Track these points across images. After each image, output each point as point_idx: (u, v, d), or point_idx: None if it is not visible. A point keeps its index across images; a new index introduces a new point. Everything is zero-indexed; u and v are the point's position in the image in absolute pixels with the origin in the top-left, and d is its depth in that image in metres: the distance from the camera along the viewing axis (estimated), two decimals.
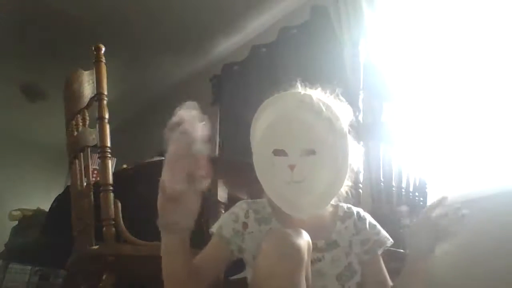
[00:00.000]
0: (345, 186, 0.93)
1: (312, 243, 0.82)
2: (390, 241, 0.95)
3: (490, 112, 1.80)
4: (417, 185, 1.46)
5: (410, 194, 1.44)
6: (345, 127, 0.90)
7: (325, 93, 0.94)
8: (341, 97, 0.95)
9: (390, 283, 0.93)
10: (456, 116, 1.88)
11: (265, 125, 0.92)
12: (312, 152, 0.87)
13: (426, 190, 1.50)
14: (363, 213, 0.99)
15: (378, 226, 0.98)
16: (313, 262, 0.84)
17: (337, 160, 0.88)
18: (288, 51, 2.55)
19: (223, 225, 0.92)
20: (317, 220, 0.93)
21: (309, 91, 0.92)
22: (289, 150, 0.88)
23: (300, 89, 0.93)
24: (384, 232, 0.97)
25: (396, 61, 1.96)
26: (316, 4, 2.51)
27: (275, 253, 0.74)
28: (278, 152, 0.89)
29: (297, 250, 0.74)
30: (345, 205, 1.00)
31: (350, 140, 0.91)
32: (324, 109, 0.88)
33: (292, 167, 0.86)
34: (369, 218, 0.98)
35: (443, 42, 1.99)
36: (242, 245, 0.91)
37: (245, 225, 0.94)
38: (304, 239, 0.77)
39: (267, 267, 0.73)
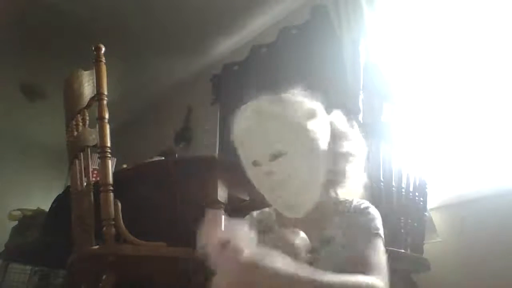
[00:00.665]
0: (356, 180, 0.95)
1: (309, 246, 0.84)
2: (380, 235, 0.90)
3: (490, 112, 1.80)
4: (417, 185, 1.46)
5: (410, 194, 1.44)
6: (308, 124, 0.90)
7: (289, 94, 0.95)
8: (308, 94, 0.95)
9: (374, 271, 0.83)
10: (456, 116, 1.88)
11: (237, 141, 0.96)
12: (280, 154, 0.89)
13: (426, 190, 1.50)
14: (361, 204, 0.96)
15: (373, 215, 0.94)
16: (309, 263, 0.84)
17: (308, 156, 0.90)
18: (288, 51, 2.55)
19: None
20: (316, 219, 0.93)
21: (263, 98, 0.94)
22: (260, 159, 0.90)
23: (257, 99, 0.95)
24: (376, 223, 0.92)
25: (396, 61, 1.96)
26: (316, 4, 2.51)
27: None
28: (254, 163, 0.92)
29: (291, 251, 0.76)
30: (354, 201, 0.97)
31: (321, 133, 0.91)
32: (279, 113, 0.90)
33: (268, 174, 0.89)
34: (365, 208, 0.95)
35: (443, 42, 1.99)
36: None
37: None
38: (299, 238, 0.80)
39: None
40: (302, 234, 0.83)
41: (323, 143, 0.91)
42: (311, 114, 0.92)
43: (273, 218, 0.99)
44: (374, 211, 0.95)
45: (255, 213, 1.04)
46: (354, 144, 0.96)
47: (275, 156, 0.89)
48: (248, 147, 0.93)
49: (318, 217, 0.93)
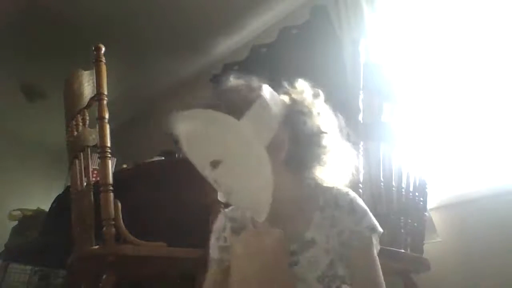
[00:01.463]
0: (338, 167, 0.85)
1: (286, 246, 0.78)
2: (375, 230, 0.81)
3: (489, 112, 1.80)
4: (417, 185, 1.46)
5: (410, 194, 1.44)
6: (241, 122, 0.79)
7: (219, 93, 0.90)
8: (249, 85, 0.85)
9: (382, 285, 0.79)
10: (455, 116, 1.88)
11: (183, 149, 0.91)
12: (218, 162, 0.82)
13: (426, 190, 1.50)
14: (341, 195, 0.84)
15: (360, 211, 0.83)
16: (288, 266, 0.79)
17: (247, 157, 0.80)
18: (288, 51, 2.55)
19: (211, 247, 0.92)
20: (293, 215, 0.84)
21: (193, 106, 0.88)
22: (203, 169, 0.86)
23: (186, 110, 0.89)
24: (367, 220, 0.82)
25: (396, 61, 1.96)
26: (316, 4, 2.51)
27: (243, 255, 0.74)
28: (203, 174, 0.86)
29: (262, 249, 0.72)
30: (326, 187, 0.86)
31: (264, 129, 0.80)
32: (206, 117, 0.84)
33: (215, 183, 0.84)
34: (348, 204, 0.83)
35: (443, 42, 1.99)
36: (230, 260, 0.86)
37: (225, 239, 0.91)
38: (273, 237, 0.75)
39: (237, 272, 0.72)
40: (278, 234, 0.77)
41: (267, 131, 0.80)
42: (246, 105, 0.80)
43: (248, 215, 0.91)
44: (359, 204, 0.84)
45: (228, 210, 0.97)
46: (320, 121, 0.85)
47: (215, 164, 0.83)
48: (191, 159, 0.88)
49: (295, 213, 0.84)
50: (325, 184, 0.86)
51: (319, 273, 0.80)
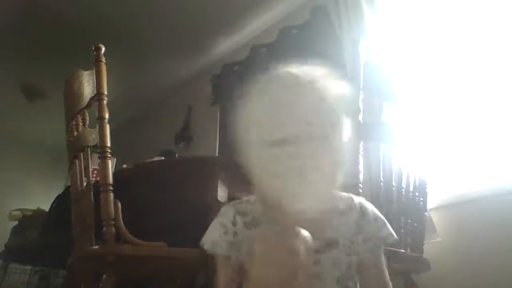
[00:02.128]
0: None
1: (312, 247, 0.75)
2: (393, 237, 0.86)
3: (489, 112, 1.80)
4: (417, 185, 1.46)
5: (410, 194, 1.44)
6: (343, 107, 0.80)
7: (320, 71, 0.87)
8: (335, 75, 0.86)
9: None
10: (455, 116, 1.88)
11: (260, 111, 0.81)
12: (313, 137, 0.76)
13: (426, 190, 1.50)
14: (365, 205, 0.88)
15: (381, 219, 0.87)
16: (309, 265, 0.77)
17: (338, 145, 0.78)
18: (288, 51, 2.55)
19: (214, 242, 0.85)
20: (314, 218, 0.81)
21: (304, 69, 0.85)
22: (289, 137, 0.76)
23: (294, 69, 0.85)
24: (387, 228, 0.87)
25: (396, 61, 1.96)
26: (316, 4, 2.51)
27: (266, 258, 0.69)
28: (275, 142, 0.77)
29: (291, 252, 0.69)
30: (345, 196, 0.89)
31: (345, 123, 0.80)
32: (322, 89, 0.80)
33: (293, 157, 0.75)
34: (371, 212, 0.87)
35: (443, 42, 1.99)
36: (240, 257, 0.83)
37: (235, 234, 0.86)
38: (300, 238, 0.71)
39: (259, 275, 0.69)
40: (305, 233, 0.74)
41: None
42: (345, 102, 0.80)
43: (259, 209, 0.87)
44: (378, 212, 0.88)
45: (235, 203, 0.92)
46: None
47: (309, 137, 0.76)
48: (271, 123, 0.78)
49: (316, 216, 0.82)
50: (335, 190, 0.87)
51: (339, 273, 0.82)
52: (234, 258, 0.83)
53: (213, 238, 0.86)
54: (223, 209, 0.91)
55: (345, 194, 0.89)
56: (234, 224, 0.86)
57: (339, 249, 0.83)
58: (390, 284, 0.85)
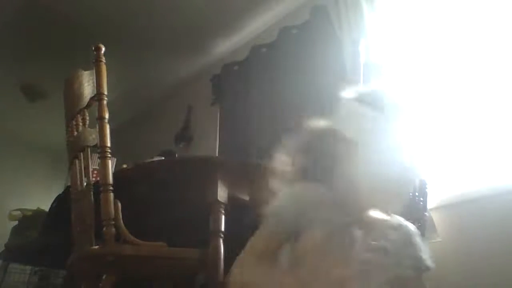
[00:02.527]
0: None
1: None
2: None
3: (489, 112, 1.80)
4: (417, 185, 1.46)
5: (410, 194, 1.44)
6: None
7: None
8: None
9: None
10: (456, 116, 1.88)
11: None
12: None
13: (426, 190, 1.50)
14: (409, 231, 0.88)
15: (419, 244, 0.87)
16: None
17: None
18: (288, 51, 2.55)
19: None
20: None
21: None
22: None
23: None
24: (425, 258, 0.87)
25: (396, 61, 1.96)
26: (316, 4, 2.51)
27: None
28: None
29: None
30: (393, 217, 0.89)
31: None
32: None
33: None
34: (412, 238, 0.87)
35: (443, 42, 1.99)
36: None
37: None
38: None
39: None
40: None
41: None
42: None
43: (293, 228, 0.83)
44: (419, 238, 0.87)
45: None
46: None
47: None
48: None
49: None
50: None
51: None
52: None
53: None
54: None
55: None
56: None
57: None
58: None
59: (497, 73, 1.81)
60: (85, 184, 1.39)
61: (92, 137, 1.40)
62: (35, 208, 3.02)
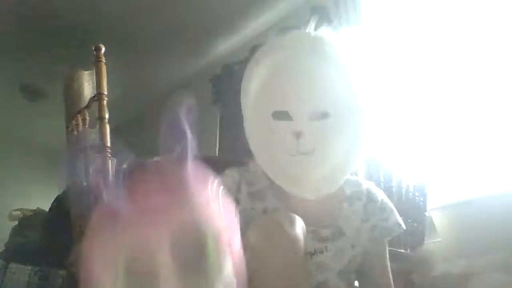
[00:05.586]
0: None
1: (315, 231, 0.71)
2: (401, 228, 0.80)
3: (489, 113, 1.80)
4: (417, 185, 1.46)
5: (410, 194, 1.44)
6: (366, 81, 0.70)
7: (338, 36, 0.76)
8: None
9: (391, 283, 0.80)
10: (456, 116, 1.88)
11: (263, 78, 0.70)
12: (325, 115, 0.67)
13: (426, 190, 1.50)
14: (373, 191, 0.81)
15: (388, 207, 0.81)
16: (314, 253, 0.73)
17: (356, 125, 0.69)
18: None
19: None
20: (321, 201, 0.75)
21: (320, 33, 0.74)
22: (294, 112, 0.67)
23: (308, 29, 0.78)
24: (394, 217, 0.80)
25: (396, 61, 1.96)
26: (316, 4, 2.51)
27: (266, 245, 0.62)
28: (279, 115, 0.68)
29: (291, 241, 0.62)
30: (352, 180, 0.81)
31: (371, 98, 0.71)
32: (341, 58, 0.67)
33: (297, 135, 0.66)
34: (380, 198, 0.81)
35: (443, 42, 1.98)
36: None
37: (236, 201, 0.76)
38: (298, 227, 0.64)
39: (258, 262, 0.61)
40: (301, 222, 0.67)
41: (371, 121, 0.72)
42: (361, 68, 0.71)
43: (265, 183, 0.77)
44: (387, 200, 0.82)
45: (241, 169, 0.81)
46: None
47: (319, 116, 0.67)
48: (280, 91, 0.68)
49: (324, 201, 0.76)
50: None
51: (342, 265, 0.76)
52: None
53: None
54: (228, 172, 0.80)
55: (353, 178, 0.82)
56: (238, 190, 0.78)
57: (345, 239, 0.76)
58: (391, 279, 0.81)
59: (498, 73, 1.81)
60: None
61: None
62: (35, 208, 3.02)
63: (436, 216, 1.73)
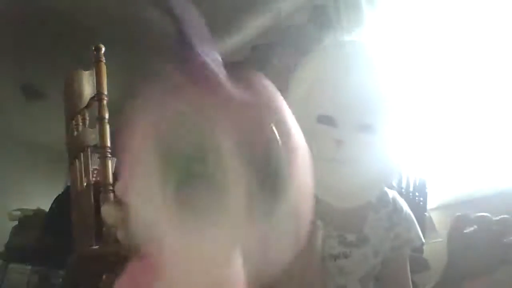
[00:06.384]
0: None
1: (341, 235, 0.71)
2: (421, 241, 0.80)
3: (490, 112, 1.80)
4: (417, 185, 1.46)
5: (410, 194, 1.44)
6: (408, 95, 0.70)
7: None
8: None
9: None
10: (456, 115, 1.88)
11: (312, 79, 0.69)
12: (369, 128, 0.67)
13: (426, 190, 1.50)
14: (399, 200, 0.80)
15: (412, 218, 0.80)
16: (338, 257, 0.72)
17: (396, 142, 0.70)
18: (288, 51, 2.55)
19: None
20: (348, 207, 0.75)
21: (376, 46, 0.72)
22: (341, 120, 0.65)
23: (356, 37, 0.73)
24: (416, 228, 0.80)
25: (396, 61, 1.96)
26: (316, 4, 2.51)
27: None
28: (324, 119, 0.66)
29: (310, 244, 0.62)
30: (385, 189, 0.81)
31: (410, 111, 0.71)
32: (392, 74, 0.69)
33: (339, 142, 0.65)
34: (405, 208, 0.80)
35: (443, 42, 1.98)
36: None
37: None
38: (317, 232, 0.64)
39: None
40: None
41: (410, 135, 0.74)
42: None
43: None
44: (409, 211, 0.80)
45: None
46: None
47: (363, 128, 0.66)
48: (329, 95, 0.67)
49: (352, 207, 0.75)
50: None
51: (363, 273, 0.76)
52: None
53: None
54: None
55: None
56: None
57: (369, 247, 0.76)
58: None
59: (498, 73, 1.81)
60: (85, 184, 1.40)
61: (92, 137, 1.41)
62: (35, 208, 3.02)
63: (436, 216, 1.73)
